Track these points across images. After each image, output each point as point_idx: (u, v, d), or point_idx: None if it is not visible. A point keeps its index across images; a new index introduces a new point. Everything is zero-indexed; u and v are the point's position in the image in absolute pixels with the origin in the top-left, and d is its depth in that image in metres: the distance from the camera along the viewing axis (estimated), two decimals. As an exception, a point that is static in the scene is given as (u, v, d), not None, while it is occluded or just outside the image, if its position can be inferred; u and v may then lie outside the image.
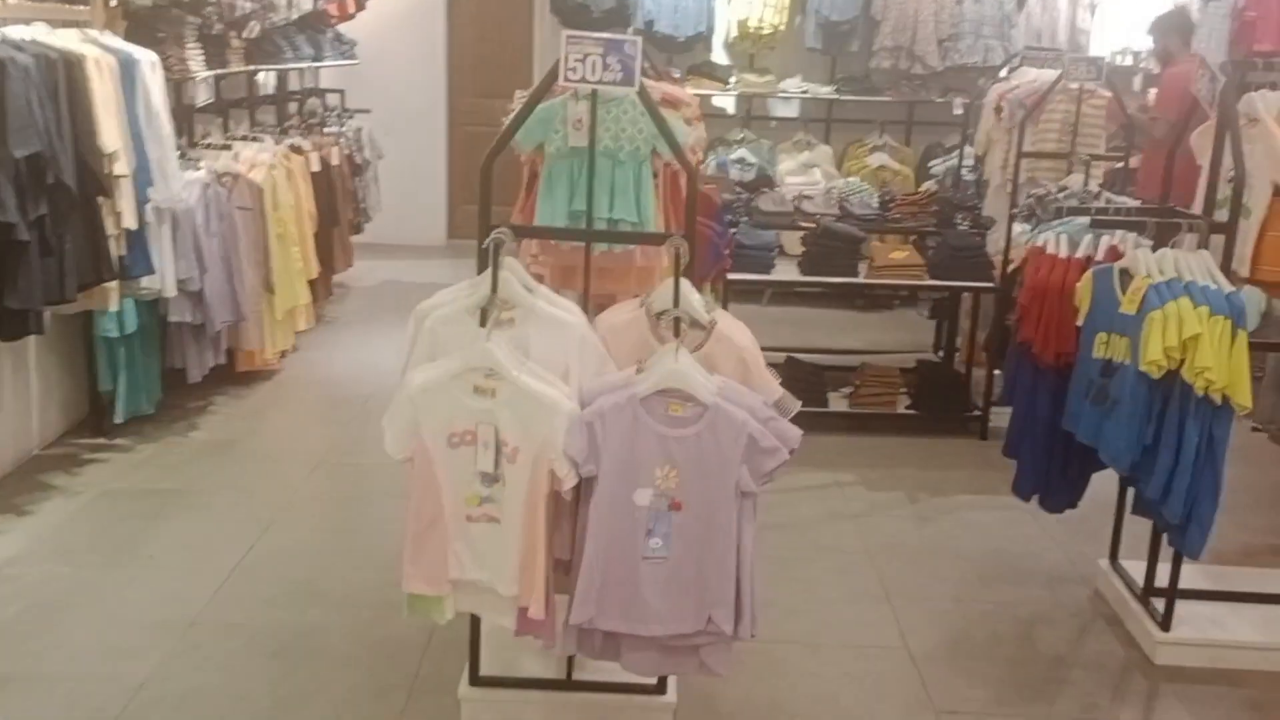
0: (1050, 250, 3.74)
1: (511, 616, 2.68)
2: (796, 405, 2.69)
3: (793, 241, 6.02)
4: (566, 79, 2.65)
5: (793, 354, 5.82)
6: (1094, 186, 5.23)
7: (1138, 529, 3.83)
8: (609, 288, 3.30)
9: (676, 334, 2.56)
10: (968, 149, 6.72)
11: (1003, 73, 7.02)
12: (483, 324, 2.55)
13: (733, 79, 8.02)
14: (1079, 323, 3.53)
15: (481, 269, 2.73)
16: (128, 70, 4.41)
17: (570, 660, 3.05)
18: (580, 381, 2.61)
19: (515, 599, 2.64)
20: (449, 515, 2.63)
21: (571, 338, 2.64)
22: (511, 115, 2.93)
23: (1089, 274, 3.50)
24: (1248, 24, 7.53)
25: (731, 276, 5.20)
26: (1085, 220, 4.50)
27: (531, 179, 3.16)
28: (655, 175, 3.09)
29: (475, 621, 3.01)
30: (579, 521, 2.64)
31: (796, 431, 2.57)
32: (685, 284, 2.62)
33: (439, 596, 2.69)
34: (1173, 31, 6.56)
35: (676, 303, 2.61)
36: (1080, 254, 3.71)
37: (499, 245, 2.57)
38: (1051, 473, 3.77)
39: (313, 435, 5.45)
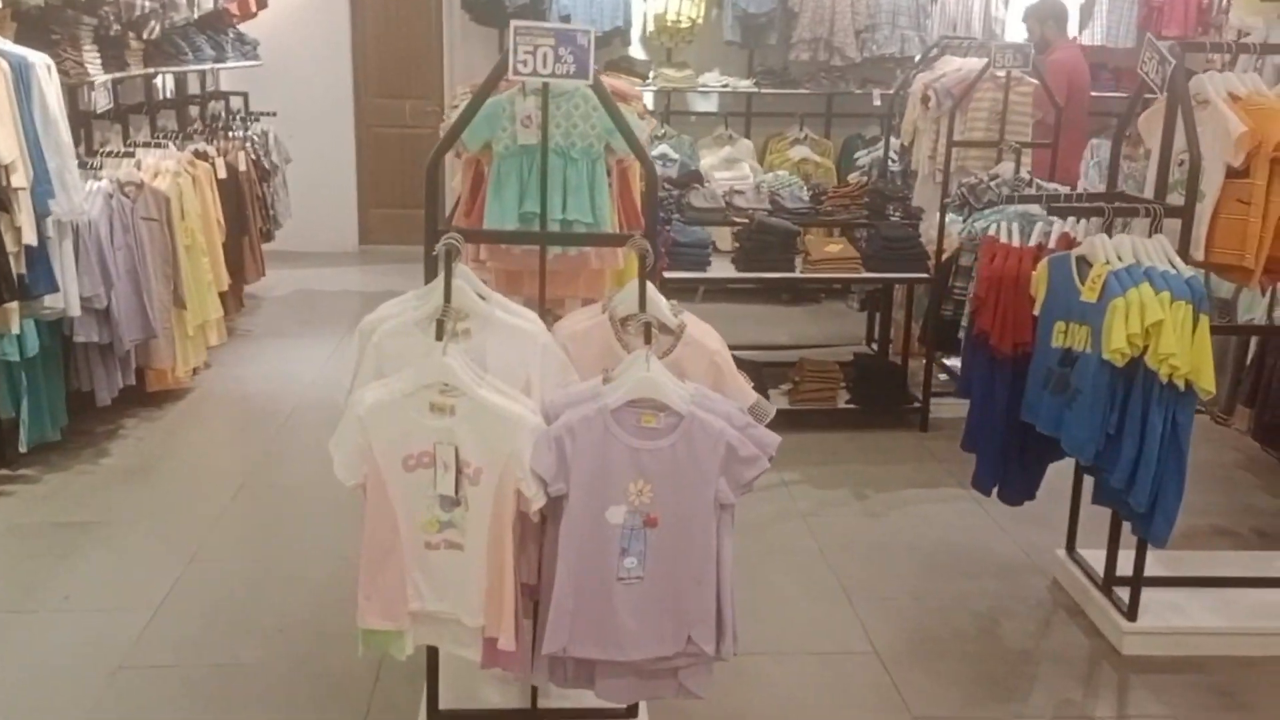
0: (1003, 239, 3.68)
1: (477, 648, 2.51)
2: (772, 410, 2.57)
3: (723, 237, 5.93)
4: (516, 72, 2.48)
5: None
6: (1025, 174, 5.23)
7: (1090, 517, 3.81)
8: (557, 292, 3.14)
9: (647, 340, 2.41)
10: (892, 140, 6.69)
11: (918, 61, 7.02)
12: (438, 336, 2.37)
13: (651, 74, 7.89)
14: (1036, 312, 3.47)
15: (430, 277, 2.55)
16: (21, 75, 4.10)
17: (534, 687, 2.89)
18: (543, 394, 2.45)
19: (481, 630, 2.47)
20: (406, 543, 2.45)
21: (532, 347, 2.47)
22: (455, 111, 2.74)
23: (1044, 262, 3.45)
24: (1154, 10, 7.68)
25: (668, 275, 5.07)
26: (1018, 208, 4.49)
27: (477, 180, 2.97)
28: (608, 173, 2.94)
29: (432, 651, 2.83)
30: (547, 544, 2.48)
31: (775, 438, 2.45)
32: (651, 286, 2.48)
33: (397, 631, 2.50)
34: (1049, 18, 6.62)
35: (643, 306, 2.46)
36: (1033, 242, 3.66)
37: (451, 252, 2.39)
38: (1010, 464, 3.72)
39: (233, 456, 5.17)
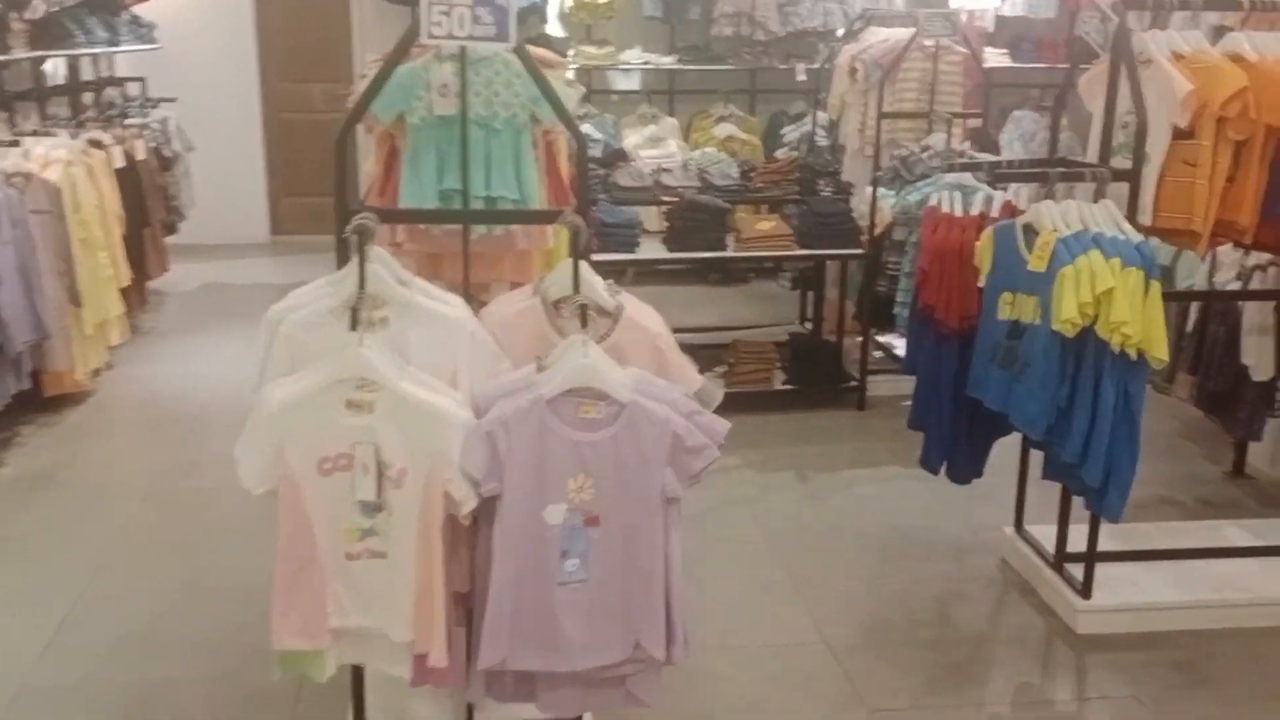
0: (944, 210, 3.55)
1: (407, 665, 2.30)
2: (720, 394, 2.39)
3: (651, 217, 5.75)
4: (430, 35, 2.26)
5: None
6: (957, 144, 5.13)
7: (1036, 492, 3.71)
8: (482, 276, 2.94)
9: (583, 324, 2.22)
10: (819, 114, 6.57)
11: (842, 33, 6.90)
12: (353, 326, 2.15)
13: (571, 52, 7.66)
14: (981, 283, 3.35)
15: (342, 261, 2.33)
16: (-117, 54, 3.76)
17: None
18: (472, 386, 2.24)
19: (411, 645, 2.26)
20: (325, 554, 2.22)
21: (459, 335, 2.26)
22: (365, 82, 2.51)
23: (989, 231, 3.32)
24: (1075, -20, 7.65)
25: (596, 257, 4.87)
26: (952, 178, 4.38)
27: (391, 155, 2.75)
28: (534, 145, 2.73)
29: (357, 666, 2.61)
30: (480, 548, 2.28)
31: (724, 424, 2.28)
32: (585, 266, 2.29)
33: (317, 650, 2.28)
34: None
35: (578, 288, 2.27)
36: (974, 211, 3.53)
37: (365, 233, 2.17)
38: (958, 442, 3.60)
39: (139, 462, 4.86)
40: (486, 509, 2.23)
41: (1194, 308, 4.25)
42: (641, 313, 2.41)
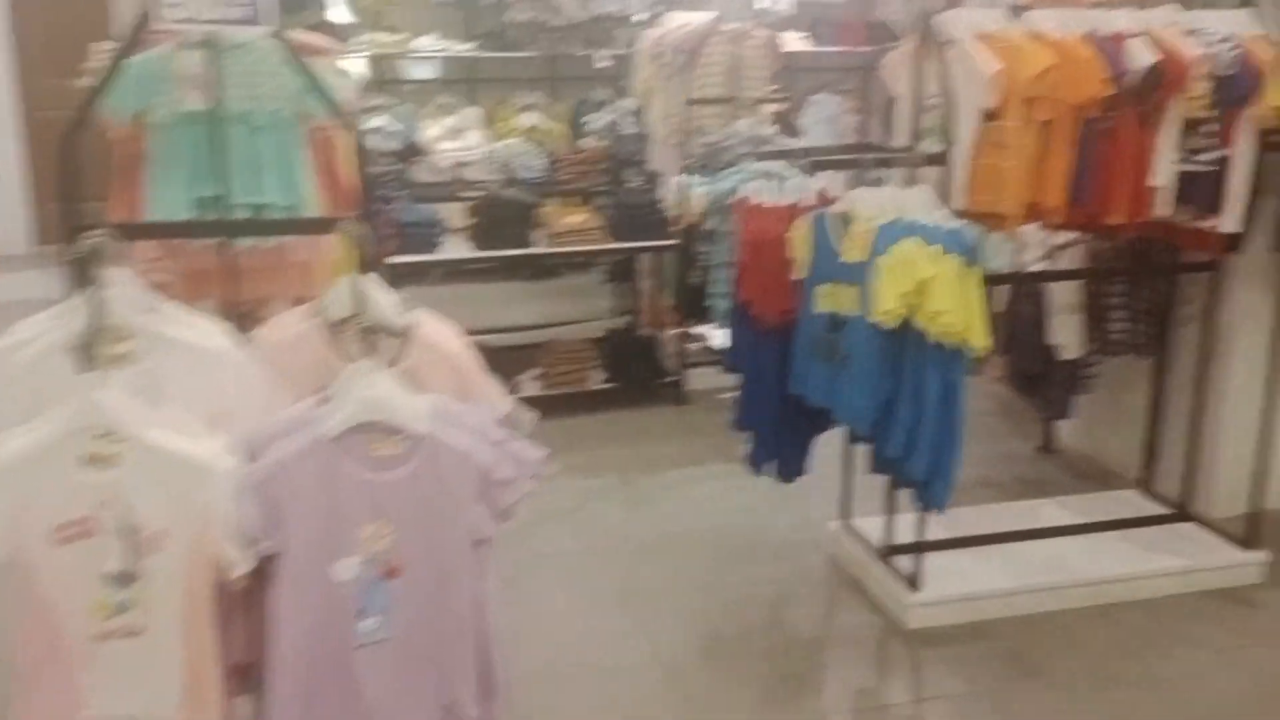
0: (754, 200, 3.40)
1: (181, 754, 1.97)
2: (531, 418, 2.15)
3: (455, 213, 5.45)
4: (165, 20, 1.93)
5: (478, 340, 5.27)
6: (767, 130, 5.03)
7: (863, 483, 3.64)
8: (260, 291, 2.60)
9: (369, 348, 1.94)
10: (625, 102, 6.37)
11: (646, 18, 6.72)
12: (85, 366, 1.81)
13: (362, 38, 7.21)
14: (798, 276, 3.22)
15: (76, 288, 1.97)
16: None
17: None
18: (241, 427, 1.93)
19: (183, 732, 1.94)
20: (70, 639, 1.87)
21: (221, 368, 1.95)
22: (94, 75, 2.14)
23: (803, 222, 3.20)
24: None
25: (397, 259, 4.55)
26: (759, 166, 4.27)
27: (133, 160, 2.38)
28: (306, 144, 2.41)
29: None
30: (262, 612, 1.97)
31: (537, 451, 2.04)
32: (372, 281, 2.01)
33: (72, 749, 1.93)
34: None
35: (361, 306, 1.99)
36: (787, 201, 3.40)
37: (95, 254, 1.83)
38: (783, 440, 3.48)
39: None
40: (267, 569, 1.93)
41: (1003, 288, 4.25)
42: (438, 331, 2.15)
